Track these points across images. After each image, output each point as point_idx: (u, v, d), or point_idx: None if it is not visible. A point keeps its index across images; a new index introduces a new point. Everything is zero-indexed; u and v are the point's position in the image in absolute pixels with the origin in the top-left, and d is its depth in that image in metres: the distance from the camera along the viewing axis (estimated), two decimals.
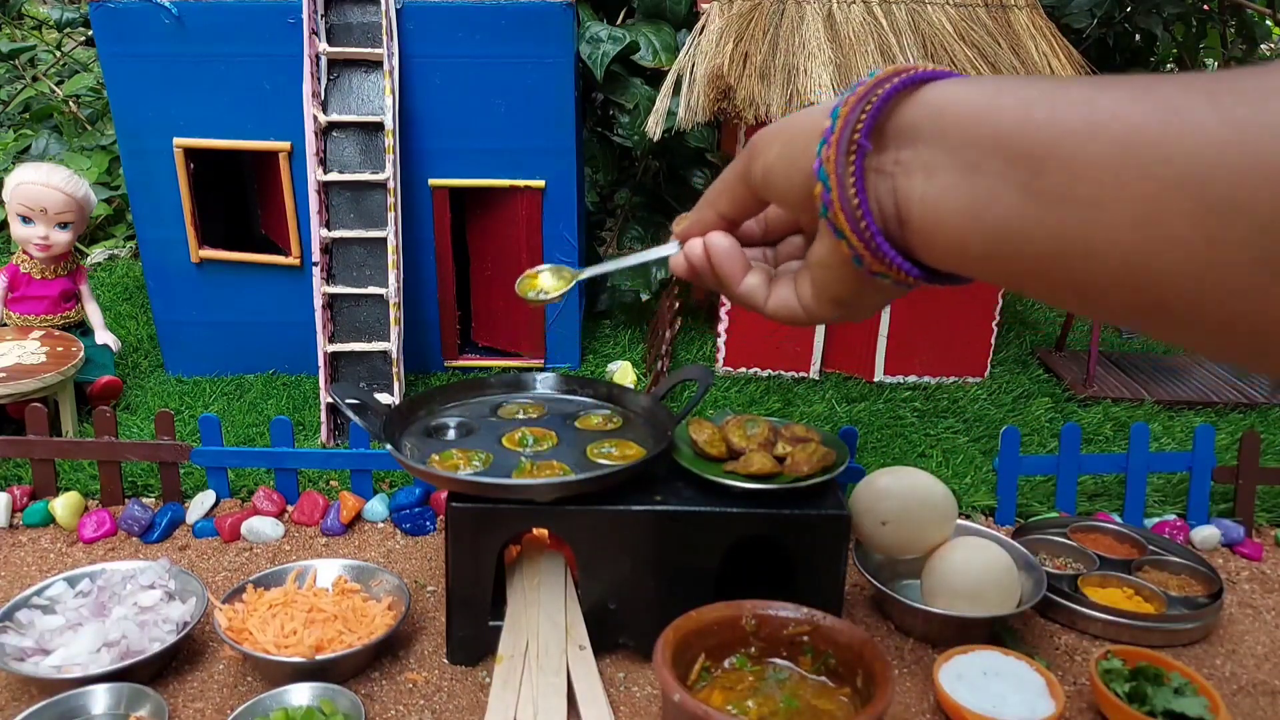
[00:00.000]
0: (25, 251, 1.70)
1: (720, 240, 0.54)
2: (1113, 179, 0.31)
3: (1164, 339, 0.35)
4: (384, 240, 1.62)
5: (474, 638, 1.06)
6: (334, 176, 1.61)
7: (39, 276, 1.71)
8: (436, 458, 1.07)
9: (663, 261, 2.03)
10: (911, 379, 1.88)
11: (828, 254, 0.46)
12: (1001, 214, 0.35)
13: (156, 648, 1.02)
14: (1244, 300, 0.29)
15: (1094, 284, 0.33)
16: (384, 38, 1.60)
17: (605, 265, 0.69)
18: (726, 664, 0.93)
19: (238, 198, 2.08)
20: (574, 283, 0.73)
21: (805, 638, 0.92)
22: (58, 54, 3.21)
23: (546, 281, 0.73)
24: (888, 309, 1.82)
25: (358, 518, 1.37)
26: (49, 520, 1.35)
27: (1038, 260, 0.35)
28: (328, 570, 1.16)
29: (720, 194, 0.54)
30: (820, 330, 1.85)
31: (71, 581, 1.13)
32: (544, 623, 1.03)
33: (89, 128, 2.97)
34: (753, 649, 0.93)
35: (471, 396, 1.24)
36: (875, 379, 1.87)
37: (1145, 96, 0.31)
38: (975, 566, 1.10)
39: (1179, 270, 0.30)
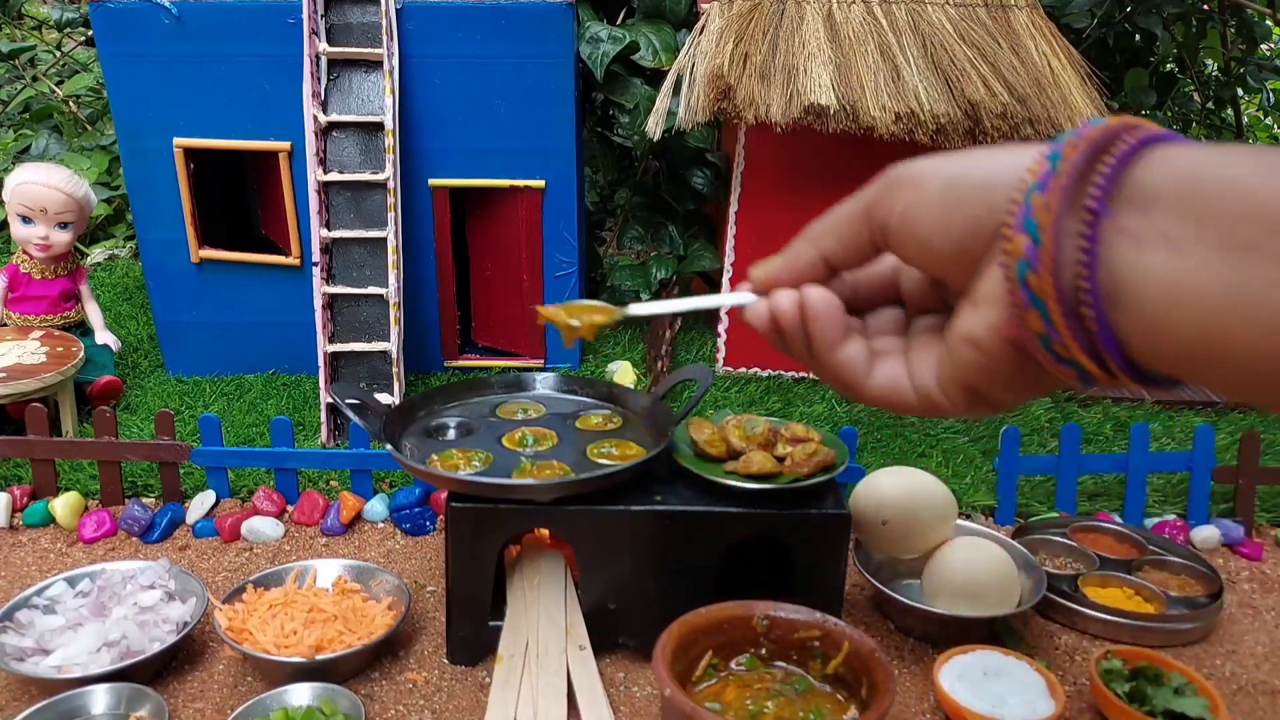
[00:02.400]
0: (25, 251, 1.70)
1: (820, 296, 0.44)
2: None
3: None
4: (384, 240, 1.62)
5: (474, 638, 1.06)
6: (334, 176, 1.61)
7: (39, 276, 1.71)
8: (436, 458, 1.07)
9: (663, 265, 2.04)
10: None
11: (989, 328, 0.38)
12: None
13: (156, 648, 1.02)
14: None
15: None
16: (384, 38, 1.60)
17: (658, 306, 0.59)
18: (734, 663, 0.93)
19: (238, 198, 2.08)
20: (617, 317, 0.67)
21: (816, 642, 0.92)
22: (58, 54, 3.21)
23: (594, 316, 0.68)
24: None
25: (358, 518, 1.37)
26: (49, 520, 1.35)
27: None
28: (328, 570, 1.16)
29: (828, 231, 0.44)
30: None
31: (71, 581, 1.13)
32: (544, 623, 1.03)
33: (89, 128, 2.97)
34: (763, 650, 0.93)
35: (471, 396, 1.24)
36: None
37: None
38: (975, 566, 1.10)
39: None
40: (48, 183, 1.65)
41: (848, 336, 0.45)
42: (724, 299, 0.53)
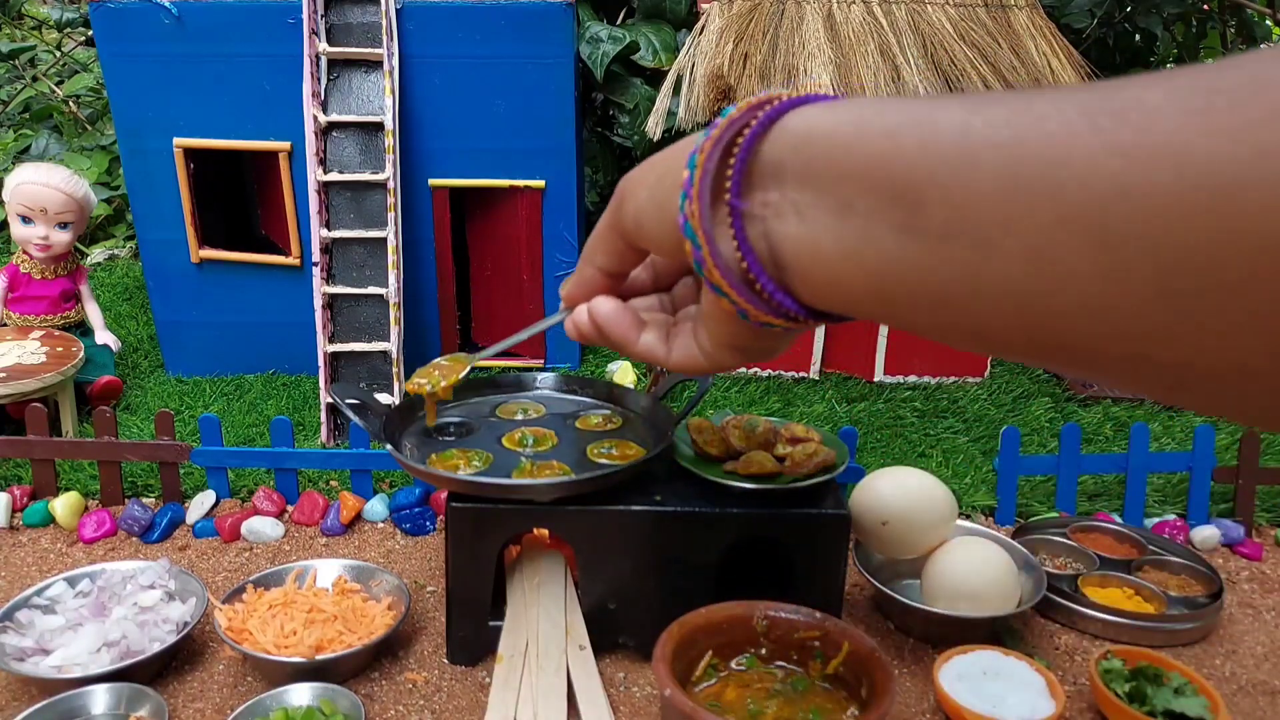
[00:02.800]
0: (25, 251, 1.70)
1: (604, 306, 0.50)
2: (998, 214, 0.29)
3: (1072, 375, 0.34)
4: (384, 240, 1.62)
5: (474, 638, 1.06)
6: (334, 176, 1.61)
7: (39, 276, 1.71)
8: (436, 458, 1.07)
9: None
10: (911, 379, 1.88)
11: (711, 307, 0.42)
12: (881, 255, 0.33)
13: (156, 648, 1.02)
14: (1147, 339, 0.27)
15: (989, 325, 0.31)
16: (384, 38, 1.60)
17: (499, 345, 0.65)
18: (734, 663, 0.93)
19: (238, 198, 2.08)
20: (467, 369, 0.69)
21: (815, 642, 0.92)
22: (58, 54, 3.21)
23: (440, 373, 0.70)
24: None
25: (358, 518, 1.37)
26: (49, 520, 1.35)
27: (925, 302, 0.32)
28: (328, 570, 1.16)
29: (596, 249, 0.49)
30: (820, 330, 1.85)
31: (71, 581, 1.13)
32: (544, 623, 1.03)
33: (89, 128, 2.97)
34: (763, 650, 0.93)
35: (471, 396, 1.24)
36: (875, 379, 1.87)
37: (1021, 119, 0.29)
38: (975, 566, 1.10)
39: (1077, 310, 0.28)
40: (48, 183, 1.65)
41: (641, 328, 0.50)
42: (547, 321, 0.59)
